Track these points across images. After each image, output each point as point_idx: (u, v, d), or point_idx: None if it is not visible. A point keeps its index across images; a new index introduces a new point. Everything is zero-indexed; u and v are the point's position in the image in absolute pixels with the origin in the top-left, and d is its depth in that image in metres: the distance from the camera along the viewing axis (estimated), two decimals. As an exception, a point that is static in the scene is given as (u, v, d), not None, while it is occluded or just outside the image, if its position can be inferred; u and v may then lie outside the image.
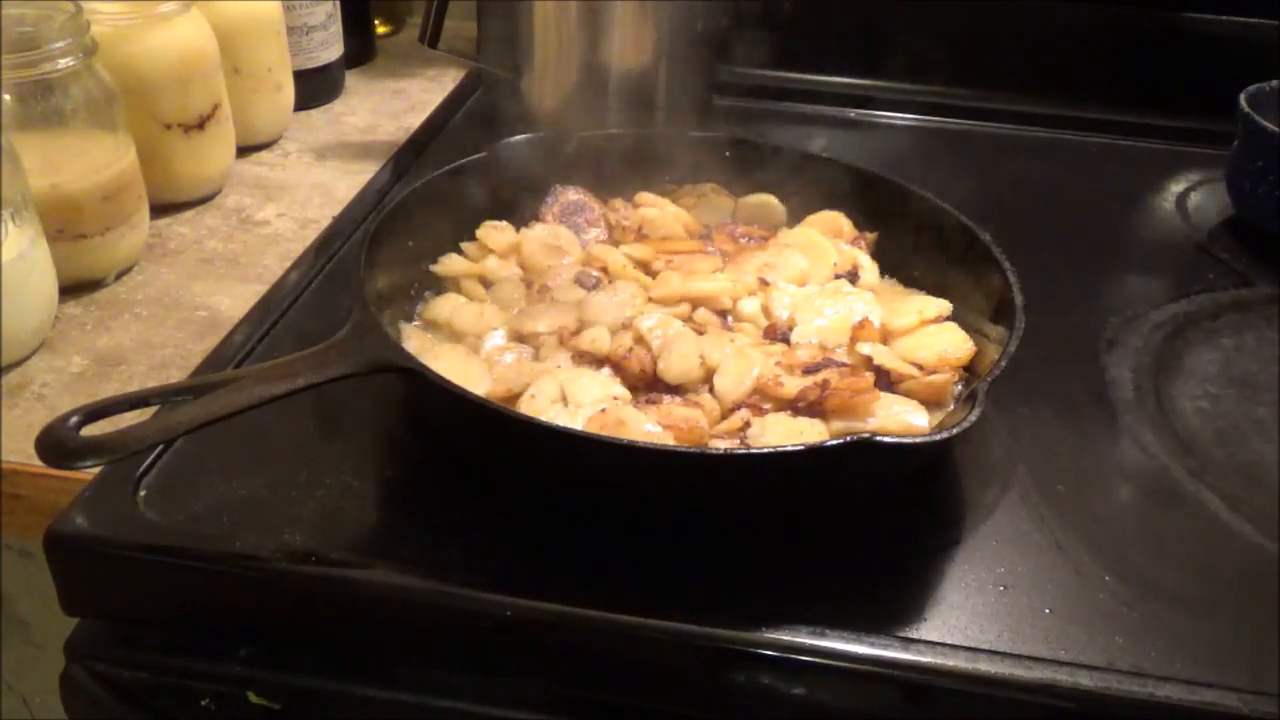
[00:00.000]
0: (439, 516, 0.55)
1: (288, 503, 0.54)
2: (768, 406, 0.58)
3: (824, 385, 0.56)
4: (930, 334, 0.63)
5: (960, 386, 0.61)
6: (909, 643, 0.48)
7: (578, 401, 0.56)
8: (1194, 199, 0.90)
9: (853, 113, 1.02)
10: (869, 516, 0.55)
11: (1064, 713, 0.47)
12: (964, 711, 0.48)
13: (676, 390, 0.59)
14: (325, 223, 0.82)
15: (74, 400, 0.61)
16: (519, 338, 0.63)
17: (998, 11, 1.00)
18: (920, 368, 0.60)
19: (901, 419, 0.57)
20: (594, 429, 0.54)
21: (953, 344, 0.61)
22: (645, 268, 0.69)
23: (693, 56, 0.89)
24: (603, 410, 0.55)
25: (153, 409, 0.53)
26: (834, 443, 0.49)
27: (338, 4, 1.00)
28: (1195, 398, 0.65)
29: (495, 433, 0.53)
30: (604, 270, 0.69)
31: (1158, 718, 0.46)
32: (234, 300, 0.72)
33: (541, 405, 0.56)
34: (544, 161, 0.75)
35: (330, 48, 1.01)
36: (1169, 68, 1.00)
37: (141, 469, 0.55)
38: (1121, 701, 0.46)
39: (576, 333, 0.62)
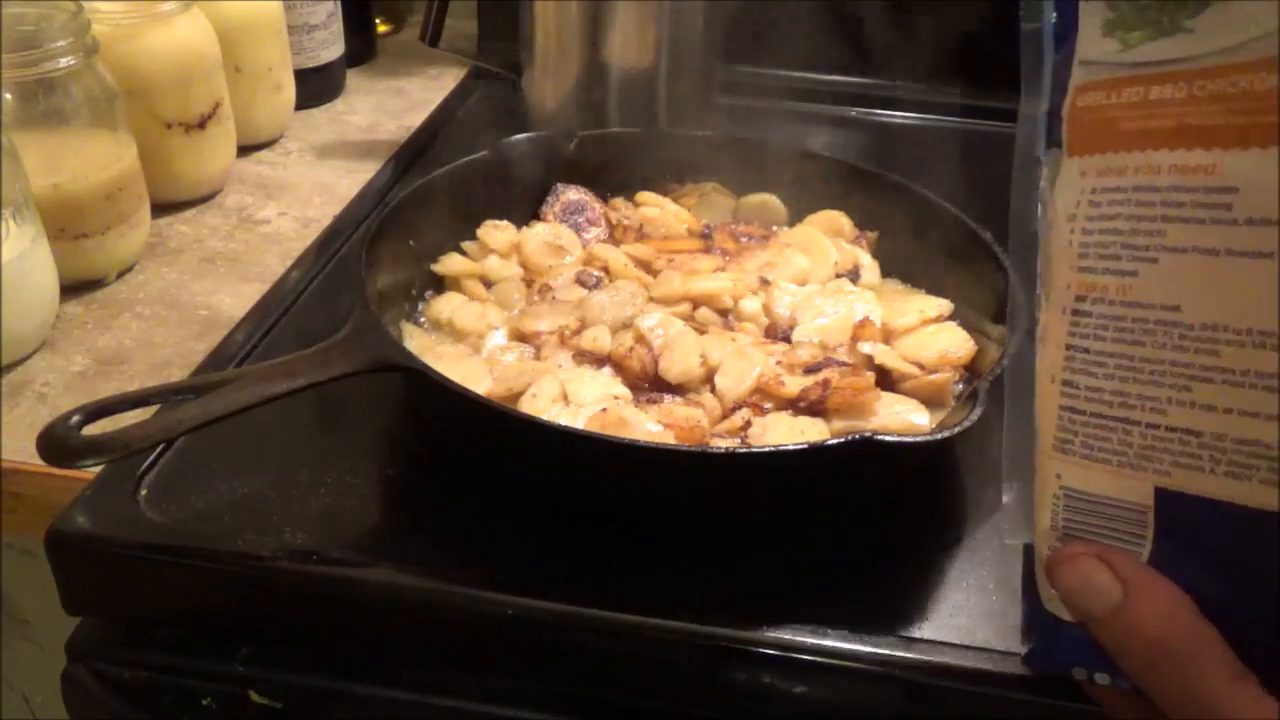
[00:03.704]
0: (440, 516, 0.55)
1: (289, 502, 0.54)
2: (769, 406, 0.58)
3: (825, 384, 0.56)
4: (931, 333, 0.63)
5: (961, 386, 0.61)
6: (910, 642, 0.48)
7: (579, 401, 0.56)
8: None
9: (853, 111, 1.02)
10: (870, 516, 0.55)
11: (1065, 712, 0.46)
12: (965, 710, 0.48)
13: (677, 390, 0.59)
14: (326, 222, 0.82)
15: (75, 399, 0.61)
16: (520, 337, 0.63)
17: (998, 10, 1.00)
18: (921, 367, 0.60)
19: (902, 418, 0.57)
20: (595, 428, 0.54)
21: (954, 343, 0.61)
22: (646, 267, 0.69)
23: (693, 56, 0.89)
24: (604, 409, 0.55)
25: (154, 408, 0.53)
26: (835, 441, 0.49)
27: (339, 3, 1.00)
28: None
29: (496, 432, 0.53)
30: (605, 270, 0.69)
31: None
32: (235, 299, 0.72)
33: (542, 404, 0.56)
34: (544, 161, 0.75)
35: (331, 47, 1.01)
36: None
37: (143, 468, 0.55)
38: (1122, 701, 0.46)
39: (577, 332, 0.62)
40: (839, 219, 0.73)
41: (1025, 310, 0.57)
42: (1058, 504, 0.39)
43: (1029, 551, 0.42)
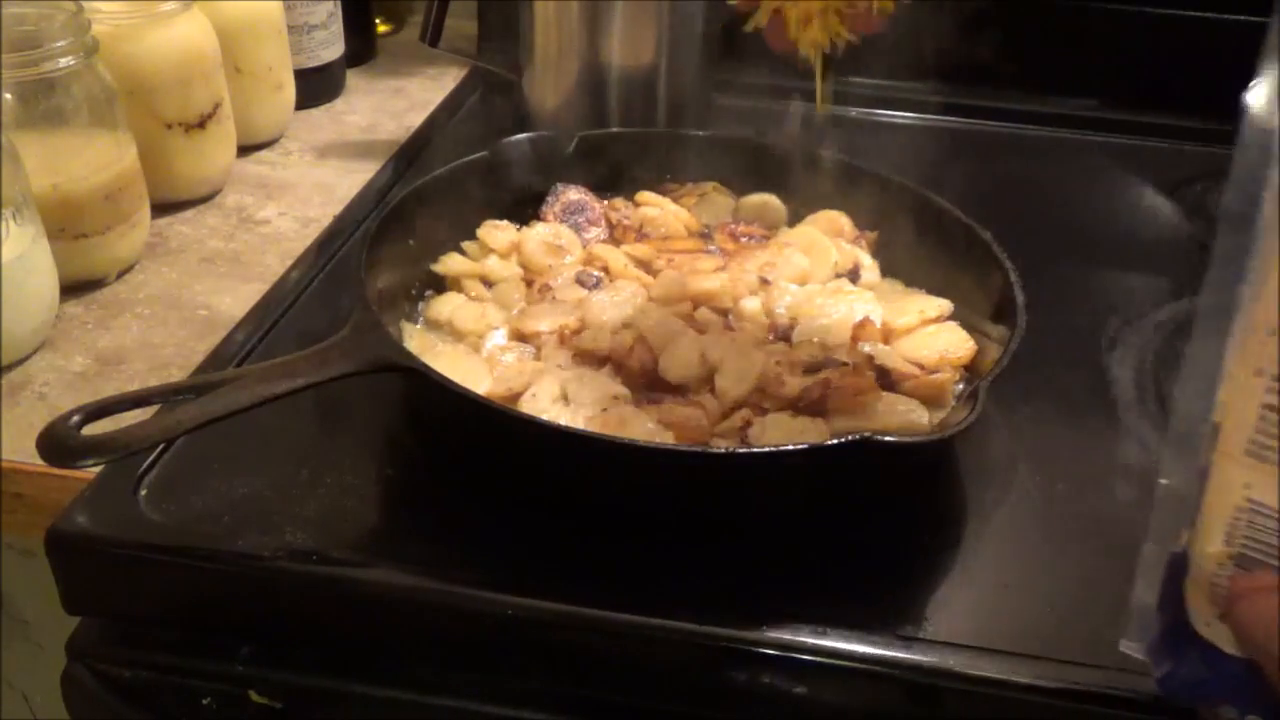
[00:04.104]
0: (439, 516, 0.55)
1: (289, 502, 0.54)
2: (769, 406, 0.58)
3: (825, 384, 0.56)
4: (931, 333, 0.63)
5: (961, 386, 0.61)
6: (909, 642, 0.48)
7: (579, 401, 0.56)
8: (1195, 198, 0.90)
9: (853, 112, 1.01)
10: (869, 516, 0.55)
11: (1065, 712, 0.47)
12: (964, 711, 0.48)
13: (677, 390, 0.59)
14: (326, 222, 0.82)
15: (75, 399, 0.61)
16: (520, 337, 0.63)
17: (998, 10, 1.00)
18: (921, 367, 0.60)
19: (903, 418, 0.57)
20: (595, 428, 0.54)
21: (953, 343, 0.61)
22: (646, 267, 0.69)
23: (693, 56, 0.89)
24: (604, 410, 0.55)
25: (154, 408, 0.53)
26: (835, 442, 0.49)
27: (339, 3, 1.00)
28: (1196, 397, 0.65)
29: (496, 432, 0.53)
30: (605, 269, 0.69)
31: (1160, 716, 0.46)
32: (235, 299, 0.72)
33: (542, 404, 0.56)
34: (544, 161, 0.75)
35: (331, 46, 1.01)
36: (1170, 66, 1.00)
37: (143, 468, 0.55)
38: (1122, 700, 0.46)
39: (577, 332, 0.62)
40: (839, 219, 0.73)
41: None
42: (1239, 519, 0.34)
43: (1178, 561, 0.36)
